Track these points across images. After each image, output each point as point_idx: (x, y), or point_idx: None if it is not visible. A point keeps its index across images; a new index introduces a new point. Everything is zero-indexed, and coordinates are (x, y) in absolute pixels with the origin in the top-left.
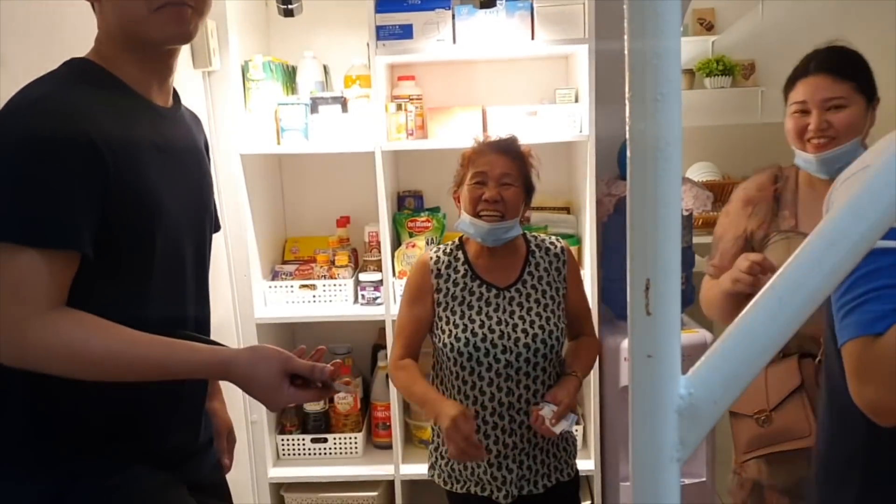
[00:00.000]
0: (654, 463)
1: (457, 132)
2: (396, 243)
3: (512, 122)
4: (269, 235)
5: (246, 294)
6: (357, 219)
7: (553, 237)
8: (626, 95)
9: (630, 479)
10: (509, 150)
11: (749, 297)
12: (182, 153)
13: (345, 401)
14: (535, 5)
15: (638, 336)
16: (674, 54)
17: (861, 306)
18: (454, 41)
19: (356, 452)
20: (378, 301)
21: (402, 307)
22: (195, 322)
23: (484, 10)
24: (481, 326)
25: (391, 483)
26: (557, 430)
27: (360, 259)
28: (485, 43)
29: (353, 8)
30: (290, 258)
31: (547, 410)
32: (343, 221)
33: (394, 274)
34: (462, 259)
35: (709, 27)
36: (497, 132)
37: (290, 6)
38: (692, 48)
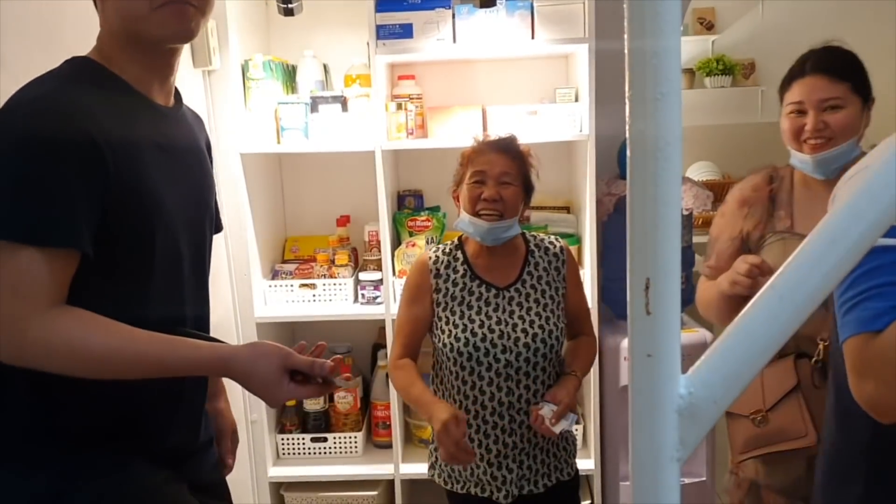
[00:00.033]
0: (654, 462)
1: (457, 131)
2: (396, 242)
3: (512, 122)
4: (269, 234)
5: (246, 293)
6: (357, 218)
7: (552, 237)
8: (626, 95)
9: (630, 478)
10: (509, 150)
11: (746, 298)
12: (183, 152)
13: (345, 400)
14: (535, 4)
15: (638, 335)
16: (674, 53)
17: (862, 303)
18: (454, 40)
19: (356, 452)
20: (378, 300)
21: (401, 307)
22: (194, 321)
23: (484, 10)
24: (481, 326)
25: (391, 482)
26: (557, 429)
27: (360, 258)
28: (485, 42)
29: (353, 7)
30: (290, 257)
31: (546, 410)
32: (343, 220)
33: (394, 273)
34: (461, 259)
35: (709, 27)
36: (497, 131)
37: (290, 5)
38: (692, 48)
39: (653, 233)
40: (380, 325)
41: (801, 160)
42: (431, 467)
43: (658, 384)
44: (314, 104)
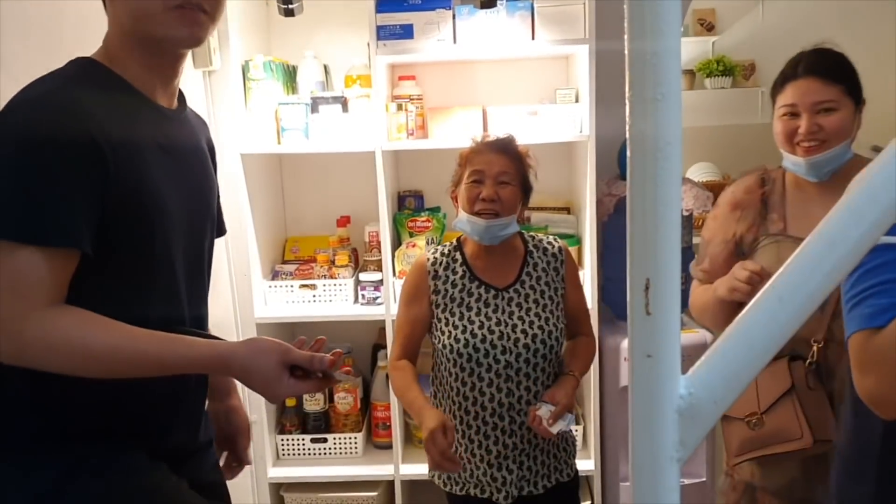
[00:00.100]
0: (654, 463)
1: (457, 132)
2: (397, 243)
3: (512, 122)
4: (269, 235)
5: (246, 294)
6: (357, 218)
7: (551, 237)
8: (626, 95)
9: (630, 479)
10: (507, 150)
11: (742, 304)
12: (185, 154)
13: (345, 401)
14: (535, 5)
15: (638, 336)
16: (674, 54)
17: (866, 300)
18: (454, 41)
19: (356, 452)
20: (378, 301)
21: (400, 308)
22: (192, 321)
23: (484, 10)
24: (480, 327)
25: (391, 483)
26: (555, 430)
27: (361, 259)
28: (485, 43)
29: (354, 8)
30: (291, 258)
31: (544, 410)
32: (343, 221)
33: (394, 274)
34: (460, 260)
35: (709, 28)
36: (497, 132)
37: (290, 6)
38: (692, 49)
39: (653, 233)
40: (380, 326)
41: (793, 163)
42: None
43: (658, 385)
44: (314, 105)
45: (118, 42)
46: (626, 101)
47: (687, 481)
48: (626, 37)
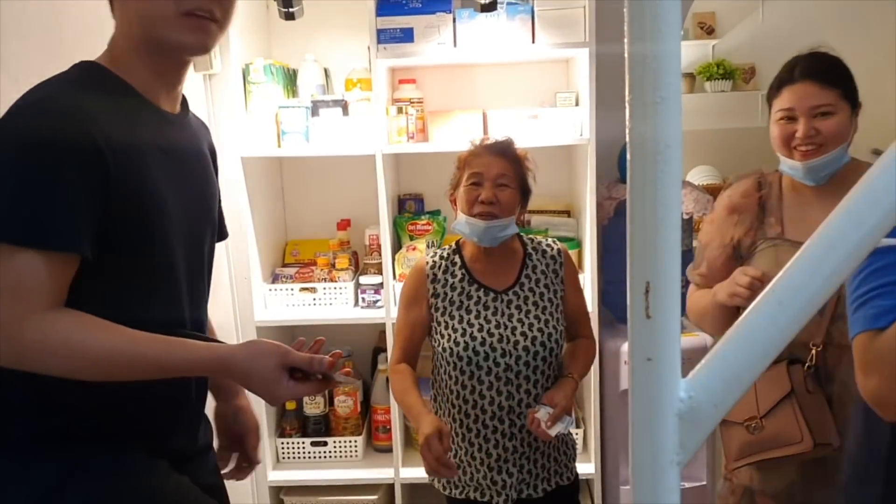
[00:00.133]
0: (654, 466)
1: (457, 135)
2: (397, 246)
3: (513, 126)
4: (269, 238)
5: (246, 297)
6: (357, 222)
7: (550, 239)
8: (626, 99)
9: (630, 482)
10: (506, 152)
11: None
12: (187, 158)
13: (345, 404)
14: (535, 9)
15: (638, 339)
16: (673, 57)
17: (869, 301)
18: (455, 44)
19: (356, 456)
20: (378, 304)
21: (399, 312)
22: (192, 325)
23: (485, 14)
24: (480, 330)
25: (391, 487)
26: (553, 432)
27: (361, 262)
28: (485, 46)
29: (354, 11)
30: (291, 261)
31: (543, 413)
32: (344, 224)
33: (394, 277)
34: (459, 263)
35: (709, 31)
36: (496, 135)
37: (290, 9)
38: (693, 52)
39: (653, 237)
40: (380, 329)
41: (791, 166)
42: None
43: (658, 388)
44: (315, 108)
45: (124, 46)
46: (626, 105)
47: (687, 485)
48: (625, 40)
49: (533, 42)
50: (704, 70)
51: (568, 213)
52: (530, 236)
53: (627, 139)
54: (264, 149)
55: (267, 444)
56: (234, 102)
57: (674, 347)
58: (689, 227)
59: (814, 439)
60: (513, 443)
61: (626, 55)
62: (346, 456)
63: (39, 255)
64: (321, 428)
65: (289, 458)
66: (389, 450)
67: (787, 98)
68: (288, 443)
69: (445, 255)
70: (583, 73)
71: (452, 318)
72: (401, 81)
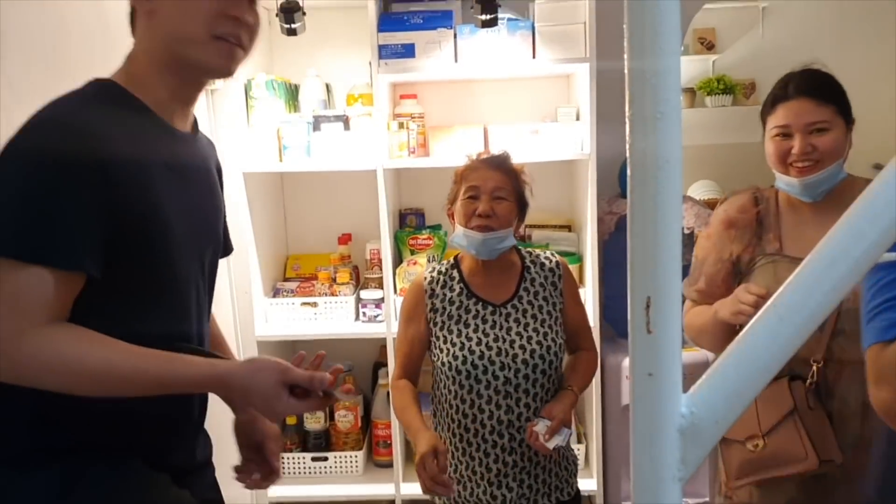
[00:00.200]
0: (655, 482)
1: (458, 150)
2: (398, 261)
3: (514, 141)
4: (270, 252)
5: (247, 311)
6: (359, 236)
7: (548, 252)
8: (627, 114)
9: (631, 498)
10: (502, 166)
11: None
12: (194, 176)
13: (345, 419)
14: (536, 25)
15: (639, 354)
16: (673, 73)
17: (881, 314)
18: (456, 60)
19: (357, 471)
20: (379, 318)
21: (399, 327)
22: (196, 341)
23: (485, 30)
24: (478, 344)
25: (392, 502)
26: (551, 445)
27: (362, 276)
28: (486, 62)
29: (356, 27)
30: (292, 275)
31: (541, 426)
32: (345, 239)
33: (395, 291)
34: (457, 277)
35: (709, 46)
36: (494, 150)
37: (293, 25)
38: (693, 67)
39: (653, 252)
40: (381, 344)
41: (787, 183)
42: None
43: (659, 403)
44: (316, 123)
45: (145, 64)
46: (627, 120)
47: (689, 501)
48: (625, 56)
49: (533, 57)
50: (705, 85)
51: (569, 228)
52: (528, 250)
53: (628, 154)
54: (266, 164)
55: None
56: (235, 117)
57: (675, 362)
58: (690, 242)
59: (818, 456)
60: (513, 457)
61: (626, 71)
62: (346, 471)
63: (46, 271)
64: (322, 443)
65: (289, 473)
66: (390, 465)
67: (782, 115)
68: (288, 458)
69: (444, 269)
70: (583, 88)
71: (451, 332)
72: (402, 97)
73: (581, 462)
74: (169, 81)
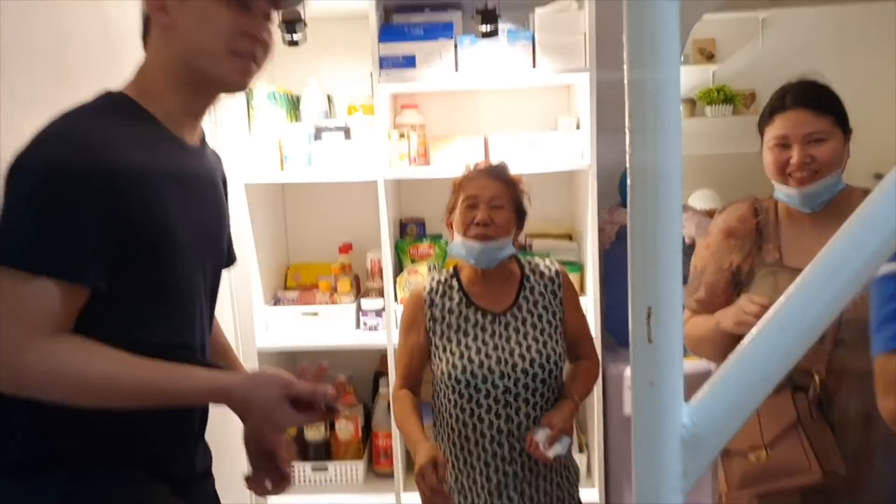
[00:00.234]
0: (657, 493)
1: (459, 160)
2: (399, 270)
3: (514, 151)
4: (271, 262)
5: (247, 321)
6: (359, 245)
7: (548, 261)
8: (626, 125)
9: None
10: (499, 175)
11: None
12: (202, 188)
13: (346, 429)
14: (536, 35)
15: (640, 364)
16: (673, 84)
17: (887, 323)
18: (456, 70)
19: (357, 481)
20: (380, 328)
21: (399, 338)
22: (200, 351)
23: (486, 40)
24: (477, 353)
25: None
26: (551, 454)
27: (363, 286)
28: (487, 72)
29: (357, 37)
30: (293, 284)
31: (541, 434)
32: (345, 248)
33: (396, 300)
34: (456, 287)
35: (709, 56)
36: (493, 160)
37: (294, 36)
38: (693, 77)
39: (654, 262)
40: (381, 353)
41: (787, 194)
42: None
43: (661, 413)
44: (317, 133)
45: (158, 76)
46: (627, 132)
47: None
48: (625, 67)
49: (534, 67)
50: (705, 95)
51: (570, 238)
52: (528, 259)
53: (628, 165)
54: (267, 175)
55: None
56: (237, 128)
57: (676, 372)
58: (691, 253)
59: (822, 468)
60: (513, 468)
61: (625, 81)
62: (347, 481)
63: (53, 283)
64: (322, 453)
65: None
66: (391, 475)
67: (780, 125)
68: None
69: (443, 279)
70: (584, 98)
71: (450, 341)
72: (403, 107)
73: (583, 472)
74: (182, 95)
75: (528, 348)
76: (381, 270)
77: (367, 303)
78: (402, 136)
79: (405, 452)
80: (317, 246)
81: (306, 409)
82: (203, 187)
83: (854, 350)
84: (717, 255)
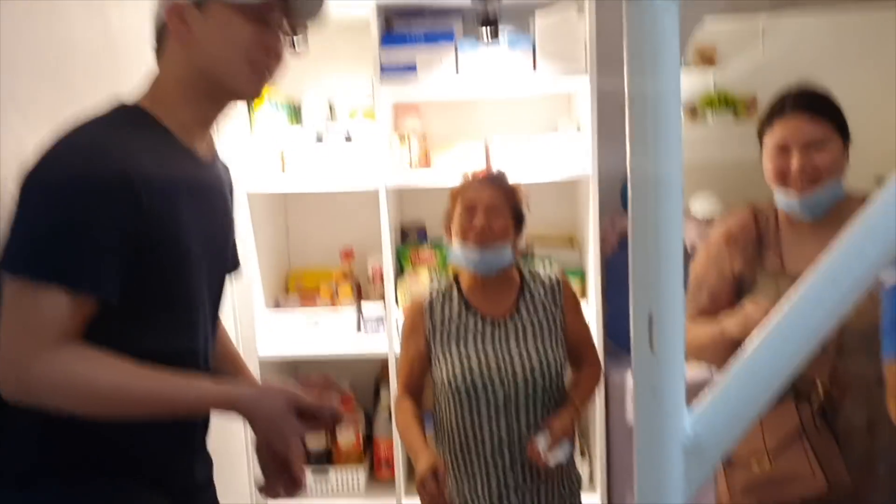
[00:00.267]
0: (659, 500)
1: (459, 166)
2: (400, 276)
3: (515, 157)
4: (272, 268)
5: (248, 328)
6: (360, 252)
7: (548, 267)
8: (627, 133)
9: None
10: (497, 183)
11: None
12: (213, 200)
13: (347, 437)
14: (536, 41)
15: (642, 371)
16: (674, 91)
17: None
18: (457, 72)
19: (358, 489)
20: (381, 333)
21: (400, 346)
22: (202, 359)
23: (486, 45)
24: (477, 360)
25: None
26: (552, 460)
27: (364, 292)
28: (487, 78)
29: (358, 45)
30: (294, 291)
31: (542, 440)
32: (346, 254)
33: (397, 306)
34: (456, 294)
35: (709, 61)
36: (494, 168)
37: (295, 42)
38: (693, 83)
39: (655, 269)
40: (383, 360)
41: (787, 201)
42: None
43: (663, 421)
44: (319, 139)
45: (173, 87)
46: (627, 139)
47: None
48: (625, 75)
49: (534, 69)
50: (706, 101)
51: (571, 244)
52: (528, 265)
53: (629, 173)
54: (268, 184)
55: None
56: (238, 135)
57: (678, 380)
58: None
59: (826, 478)
60: (514, 475)
61: (626, 89)
62: (348, 488)
63: (58, 293)
64: (323, 461)
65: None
66: (392, 483)
67: (779, 132)
68: None
69: (443, 287)
70: (584, 105)
71: (450, 348)
72: (404, 113)
73: (585, 479)
74: (196, 106)
75: (528, 356)
76: (382, 276)
77: (368, 309)
78: (402, 141)
79: (406, 460)
80: (318, 252)
81: (311, 419)
82: (213, 199)
83: (857, 358)
84: (719, 262)
